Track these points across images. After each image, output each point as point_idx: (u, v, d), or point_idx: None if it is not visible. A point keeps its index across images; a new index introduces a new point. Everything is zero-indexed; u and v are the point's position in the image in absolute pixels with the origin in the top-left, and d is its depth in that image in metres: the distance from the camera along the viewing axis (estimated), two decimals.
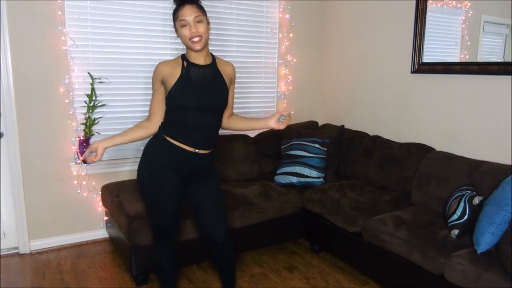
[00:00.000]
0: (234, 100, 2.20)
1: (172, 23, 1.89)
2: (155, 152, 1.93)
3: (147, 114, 3.31)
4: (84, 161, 1.87)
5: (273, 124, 1.93)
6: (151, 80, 3.24)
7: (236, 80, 2.21)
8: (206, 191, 2.00)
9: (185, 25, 1.80)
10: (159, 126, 1.94)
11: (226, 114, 2.06)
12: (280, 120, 1.93)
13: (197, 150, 1.90)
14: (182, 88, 1.86)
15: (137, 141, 1.97)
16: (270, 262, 2.85)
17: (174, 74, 1.86)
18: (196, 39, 1.80)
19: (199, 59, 1.90)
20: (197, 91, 1.86)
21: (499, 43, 2.60)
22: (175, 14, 1.82)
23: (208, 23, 1.87)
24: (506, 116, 2.51)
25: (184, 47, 1.91)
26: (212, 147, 1.96)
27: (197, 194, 1.99)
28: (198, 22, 1.80)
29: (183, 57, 1.91)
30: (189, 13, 1.78)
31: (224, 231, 2.01)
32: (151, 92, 1.95)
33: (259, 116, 3.74)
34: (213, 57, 1.97)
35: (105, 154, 3.05)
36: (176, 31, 1.86)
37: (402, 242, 2.26)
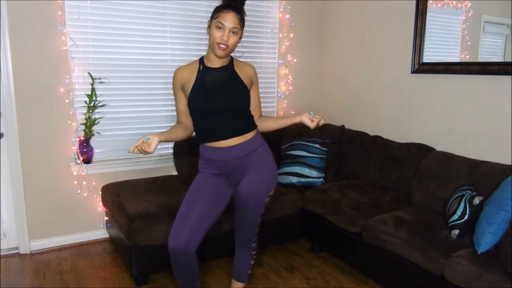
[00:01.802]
0: None
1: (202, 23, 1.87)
2: (200, 161, 2.00)
3: (148, 114, 3.32)
4: (141, 151, 1.68)
5: (306, 119, 1.89)
6: (151, 80, 3.24)
7: None
8: (240, 190, 1.95)
9: (220, 28, 1.79)
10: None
11: (254, 117, 2.02)
12: (311, 113, 1.90)
13: (227, 145, 1.89)
14: (196, 94, 1.86)
15: (180, 139, 1.95)
16: (270, 262, 2.85)
17: (190, 80, 1.88)
18: (223, 46, 1.80)
19: (216, 63, 1.89)
20: (210, 96, 1.85)
21: (499, 43, 2.60)
22: (217, 13, 1.80)
23: (241, 37, 1.87)
24: (506, 116, 2.51)
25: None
26: (242, 138, 1.92)
27: (236, 192, 1.98)
28: (233, 33, 1.81)
29: (201, 60, 1.92)
30: (230, 20, 1.78)
31: (244, 234, 2.04)
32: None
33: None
34: (232, 59, 1.96)
35: (105, 154, 3.09)
36: (209, 27, 1.84)
37: (402, 242, 2.26)
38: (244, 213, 1.98)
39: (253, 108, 2.01)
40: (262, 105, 3.65)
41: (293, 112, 3.87)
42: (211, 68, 1.89)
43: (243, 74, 1.93)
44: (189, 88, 1.87)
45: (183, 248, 1.77)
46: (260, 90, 3.62)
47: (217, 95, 1.86)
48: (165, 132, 1.84)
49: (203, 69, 1.89)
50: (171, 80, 1.97)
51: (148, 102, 3.16)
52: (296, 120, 1.95)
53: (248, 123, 1.97)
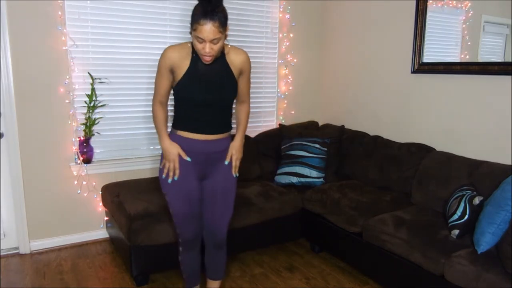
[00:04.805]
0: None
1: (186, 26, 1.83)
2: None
3: (148, 114, 3.30)
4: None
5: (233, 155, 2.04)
6: (151, 80, 3.18)
7: None
8: (214, 182, 2.05)
9: (200, 42, 1.72)
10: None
11: (237, 100, 2.06)
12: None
13: (207, 139, 1.92)
14: (188, 82, 1.84)
15: None
16: (270, 262, 2.85)
17: (183, 66, 1.83)
18: (207, 57, 1.76)
19: None
20: (202, 86, 1.84)
21: (499, 43, 2.60)
22: (194, 23, 1.69)
23: (226, 36, 1.79)
24: (506, 116, 2.51)
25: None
26: (221, 134, 1.97)
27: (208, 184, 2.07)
28: (215, 42, 1.72)
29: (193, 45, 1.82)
30: (207, 33, 1.67)
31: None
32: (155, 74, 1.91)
33: (259, 116, 3.75)
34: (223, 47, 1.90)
35: (105, 154, 3.09)
36: (191, 33, 1.75)
37: (402, 242, 2.26)
38: (221, 203, 2.04)
39: (241, 94, 2.01)
40: (261, 105, 3.74)
41: (293, 112, 3.87)
42: None
43: (233, 63, 1.90)
44: (180, 73, 1.83)
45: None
46: (260, 90, 3.69)
47: (208, 87, 1.85)
48: (165, 133, 1.94)
49: (196, 57, 1.83)
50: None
51: (148, 102, 3.16)
52: (233, 144, 2.04)
53: (228, 121, 2.01)
